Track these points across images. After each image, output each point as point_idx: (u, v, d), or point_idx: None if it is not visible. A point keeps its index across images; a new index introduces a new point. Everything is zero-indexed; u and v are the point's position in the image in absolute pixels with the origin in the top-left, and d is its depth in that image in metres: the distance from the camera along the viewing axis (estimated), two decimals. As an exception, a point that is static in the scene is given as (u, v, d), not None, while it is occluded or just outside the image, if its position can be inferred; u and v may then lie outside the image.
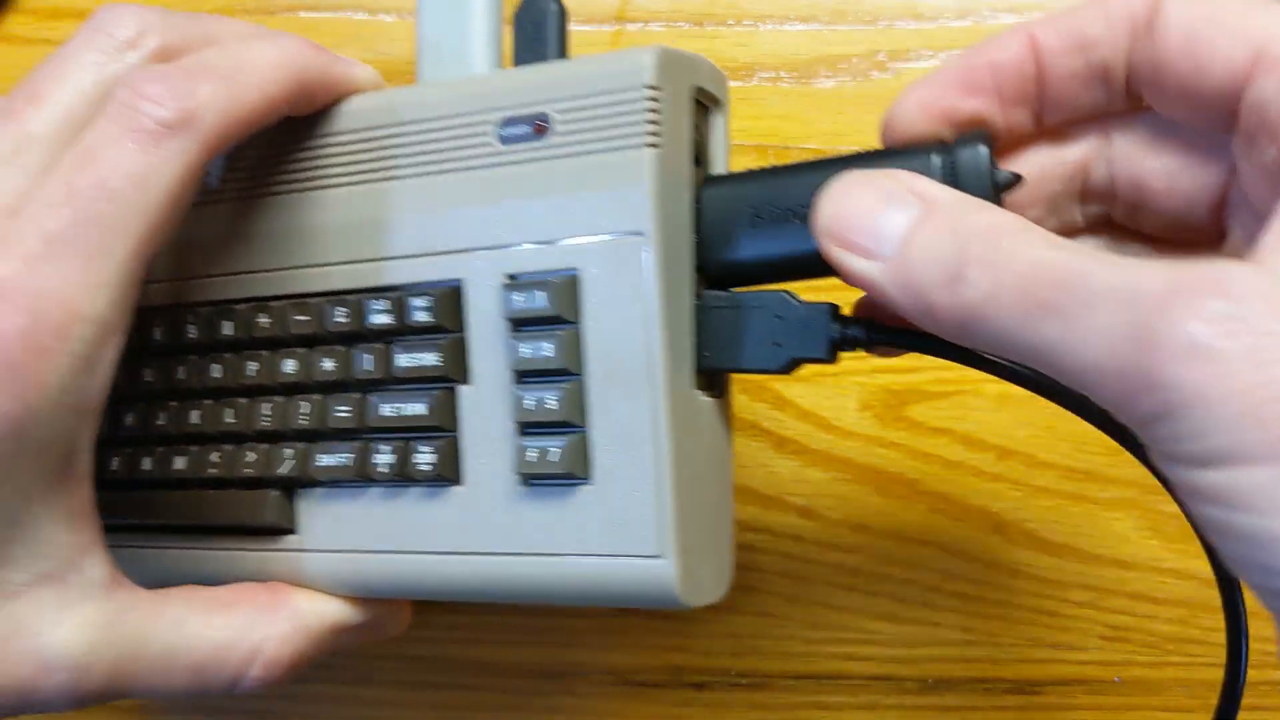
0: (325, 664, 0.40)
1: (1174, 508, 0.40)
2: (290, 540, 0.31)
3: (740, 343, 0.28)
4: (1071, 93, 0.26)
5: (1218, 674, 0.39)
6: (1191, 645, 0.39)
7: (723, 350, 0.28)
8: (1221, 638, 0.39)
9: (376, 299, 0.29)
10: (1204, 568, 0.39)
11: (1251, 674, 0.40)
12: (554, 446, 0.28)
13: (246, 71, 0.28)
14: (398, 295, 0.29)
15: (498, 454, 0.29)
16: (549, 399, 0.28)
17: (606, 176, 0.27)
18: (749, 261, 0.28)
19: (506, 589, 0.29)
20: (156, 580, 0.30)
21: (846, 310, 0.29)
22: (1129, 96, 0.26)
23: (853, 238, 0.24)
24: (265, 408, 0.31)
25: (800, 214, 0.27)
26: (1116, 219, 0.28)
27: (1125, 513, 0.39)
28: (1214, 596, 0.39)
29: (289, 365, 0.30)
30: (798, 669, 0.40)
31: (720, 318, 0.28)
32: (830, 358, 0.28)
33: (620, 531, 0.27)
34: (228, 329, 0.31)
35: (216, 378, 0.31)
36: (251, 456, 0.31)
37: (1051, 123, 0.27)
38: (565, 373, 0.28)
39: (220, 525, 0.31)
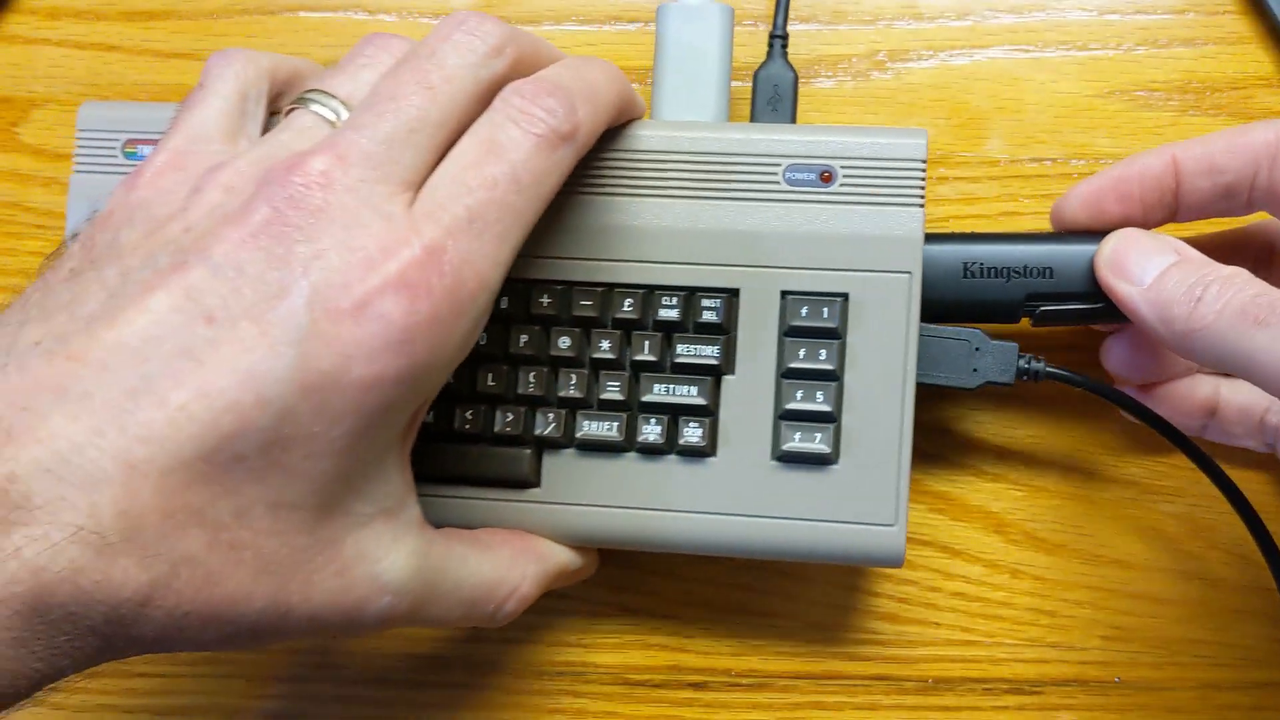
0: (331, 664, 0.40)
1: (1174, 508, 0.40)
2: (534, 493, 0.36)
3: (945, 365, 0.36)
4: (1201, 204, 0.35)
5: (1218, 674, 0.39)
6: (1192, 645, 0.39)
7: (932, 369, 0.36)
8: (1222, 638, 0.39)
9: (668, 295, 0.35)
10: (1205, 568, 0.40)
11: (1257, 674, 0.40)
12: (818, 433, 0.34)
13: (601, 92, 0.32)
14: (687, 295, 0.35)
15: (754, 434, 0.35)
16: (817, 395, 0.34)
17: (883, 224, 0.34)
18: (955, 303, 0.35)
19: (751, 545, 0.35)
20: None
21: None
22: (1250, 207, 0.35)
23: (1125, 269, 0.33)
24: (530, 375, 0.35)
25: (1001, 273, 0.35)
26: None
27: (1126, 513, 0.39)
28: (1214, 597, 0.39)
29: (564, 341, 0.35)
30: (798, 669, 0.40)
31: (933, 344, 0.36)
32: (1013, 384, 0.36)
33: (863, 503, 0.34)
34: (504, 304, 0.35)
35: (481, 345, 0.35)
36: (509, 417, 0.35)
37: (1184, 221, 0.36)
38: (832, 375, 0.34)
39: (478, 477, 0.35)
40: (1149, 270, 0.33)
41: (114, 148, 0.36)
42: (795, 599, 0.40)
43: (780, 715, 0.40)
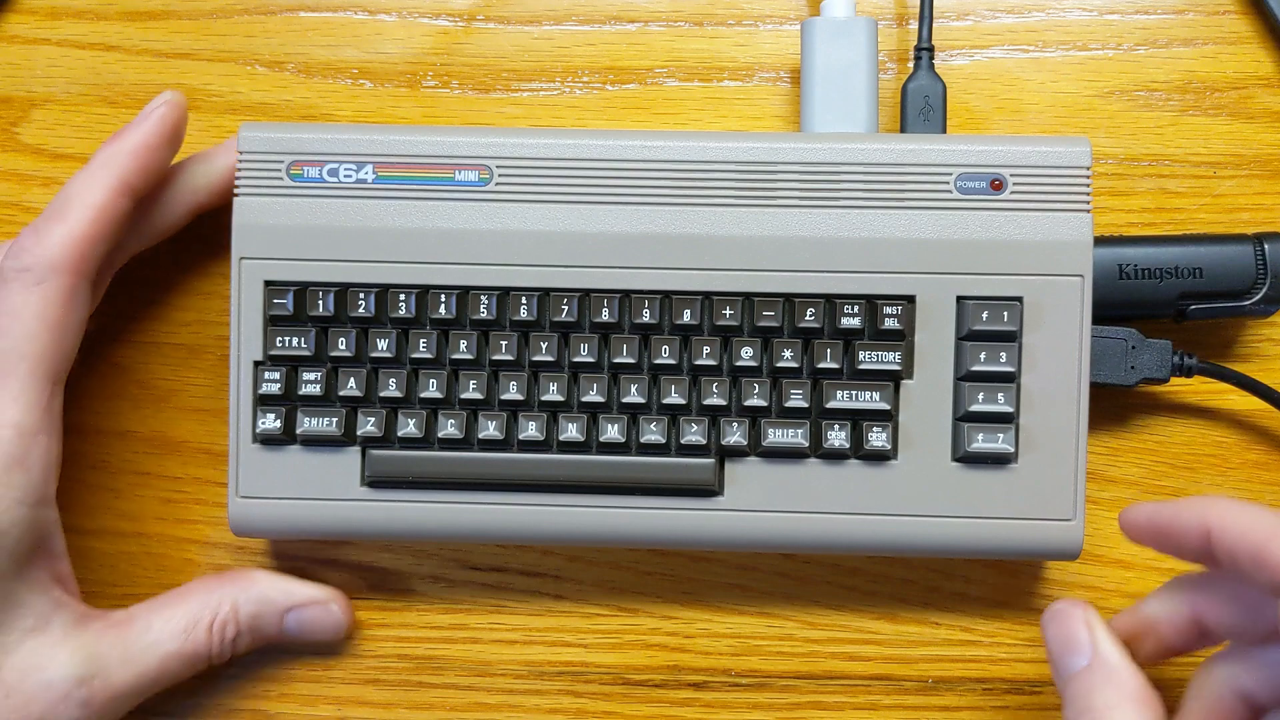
0: (328, 664, 0.40)
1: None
2: (718, 501, 0.37)
3: (1104, 364, 0.37)
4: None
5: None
6: (1192, 645, 0.39)
7: (1093, 368, 0.37)
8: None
9: (849, 304, 0.36)
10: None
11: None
12: (999, 434, 0.36)
13: (72, 203, 0.34)
14: (867, 303, 0.36)
15: (935, 436, 0.36)
16: (998, 396, 0.36)
17: (1053, 229, 0.36)
18: (1112, 303, 0.37)
19: (932, 544, 0.37)
20: (582, 537, 0.37)
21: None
22: None
23: (1053, 655, 0.34)
24: (714, 385, 0.37)
25: (1155, 273, 0.37)
26: None
27: (1126, 512, 0.39)
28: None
29: (746, 351, 0.36)
30: (798, 669, 0.40)
31: (1094, 344, 0.37)
32: (1167, 380, 0.38)
33: (1043, 500, 0.36)
34: (686, 317, 0.36)
35: (665, 358, 0.37)
36: (694, 428, 0.36)
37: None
38: (1010, 376, 0.36)
39: (663, 487, 0.37)
40: (1066, 665, 0.33)
41: (279, 169, 0.37)
42: (795, 599, 0.40)
43: (780, 715, 0.40)
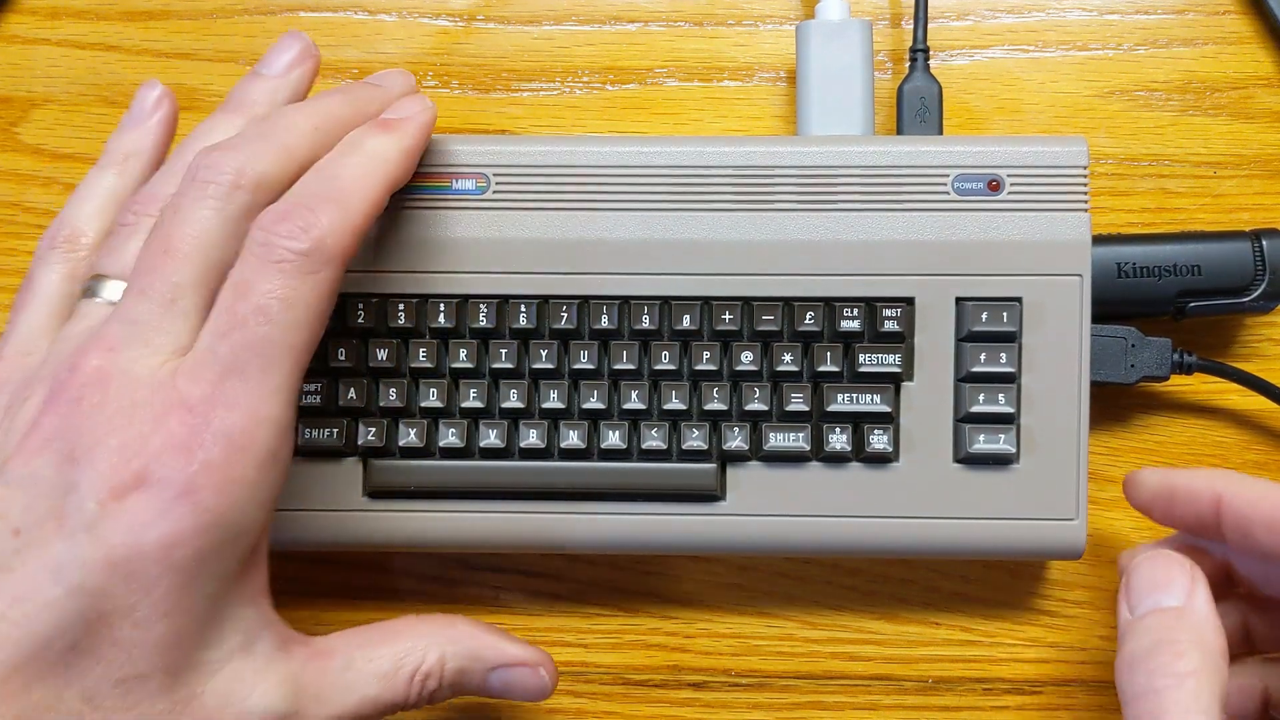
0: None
1: (1174, 508, 0.40)
2: (720, 506, 0.37)
3: (1104, 362, 0.37)
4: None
5: (1218, 674, 0.39)
6: (1191, 645, 0.39)
7: (1092, 367, 0.37)
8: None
9: (849, 307, 0.36)
10: (1204, 568, 0.39)
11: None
12: (1001, 435, 0.36)
13: (349, 190, 0.31)
14: (866, 306, 0.36)
15: (935, 437, 0.36)
16: (999, 397, 0.36)
17: (1052, 229, 0.36)
18: (1111, 302, 0.37)
19: (934, 546, 0.37)
20: (585, 544, 0.37)
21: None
22: None
23: (1129, 592, 0.32)
24: (714, 390, 0.36)
25: (1154, 271, 0.37)
26: None
27: (1125, 513, 0.40)
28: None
29: (746, 356, 0.36)
30: (798, 669, 0.40)
31: (1093, 343, 0.37)
32: (1167, 377, 0.38)
33: (1045, 500, 0.36)
34: (686, 322, 0.36)
35: (665, 363, 0.37)
36: (695, 433, 0.36)
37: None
38: (1010, 377, 0.36)
39: (665, 493, 0.37)
40: (1144, 603, 0.31)
41: None
42: (794, 599, 0.40)
43: (780, 715, 0.40)
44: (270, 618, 0.31)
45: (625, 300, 0.36)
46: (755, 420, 0.37)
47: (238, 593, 0.30)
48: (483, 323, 0.36)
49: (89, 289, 0.32)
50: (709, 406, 0.36)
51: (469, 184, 0.36)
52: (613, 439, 0.37)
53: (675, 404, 0.36)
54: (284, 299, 0.30)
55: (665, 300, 0.36)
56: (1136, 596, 0.32)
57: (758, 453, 0.37)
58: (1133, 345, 0.37)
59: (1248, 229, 0.38)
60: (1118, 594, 0.33)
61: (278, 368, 0.30)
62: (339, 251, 0.30)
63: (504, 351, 0.36)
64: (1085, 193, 0.36)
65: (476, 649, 0.34)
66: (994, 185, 0.36)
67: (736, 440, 0.36)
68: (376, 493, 0.37)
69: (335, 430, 0.36)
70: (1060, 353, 0.36)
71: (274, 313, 0.29)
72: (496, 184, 0.36)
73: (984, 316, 0.36)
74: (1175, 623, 0.31)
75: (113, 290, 0.31)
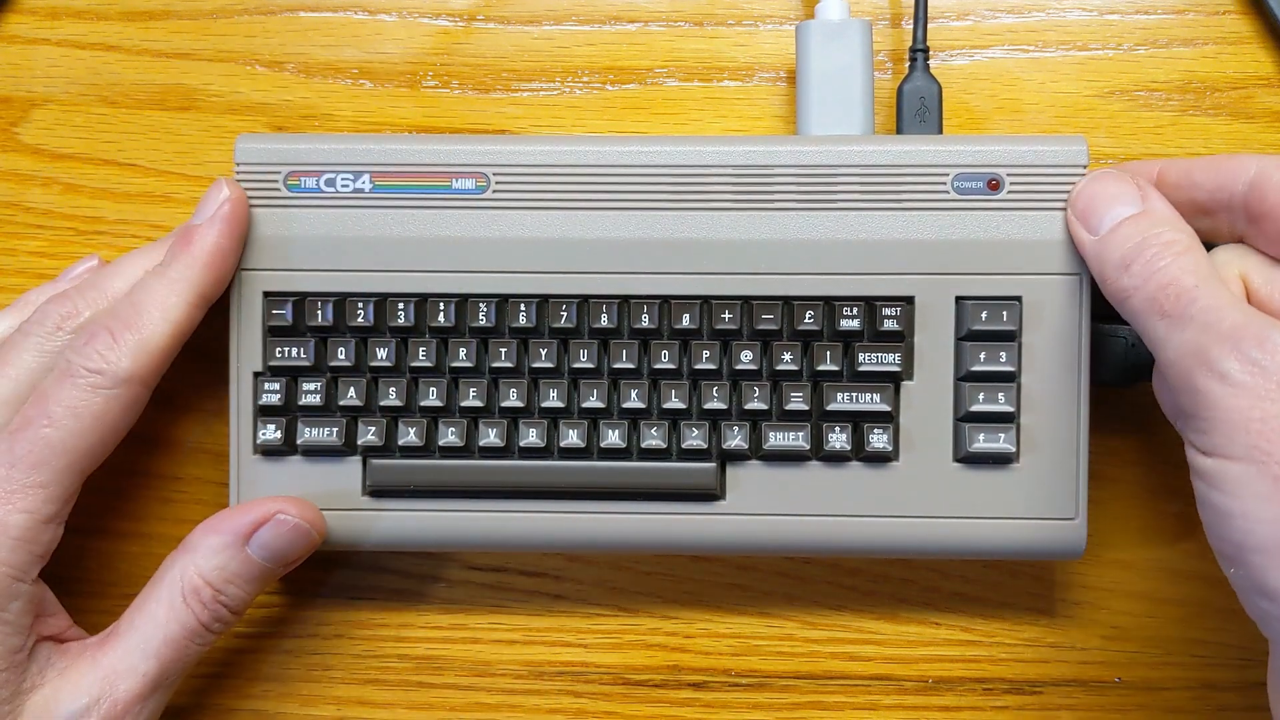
0: (328, 664, 0.40)
1: (1174, 507, 0.40)
2: (719, 505, 0.37)
3: (1102, 362, 0.37)
4: None
5: (1218, 674, 0.39)
6: (1192, 645, 0.39)
7: (1092, 365, 0.36)
8: (1220, 638, 0.39)
9: (849, 306, 0.36)
10: (1205, 568, 0.40)
11: (1255, 674, 0.40)
12: (1001, 434, 0.36)
13: (148, 311, 0.35)
14: (866, 305, 0.36)
15: (935, 436, 0.36)
16: (999, 396, 0.36)
17: (1051, 228, 0.36)
18: (1106, 301, 0.35)
19: (934, 546, 0.37)
20: (585, 543, 0.37)
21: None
22: (1232, 233, 0.34)
23: (1085, 216, 0.35)
24: (714, 389, 0.36)
25: None
26: None
27: (1123, 512, 0.39)
28: (1215, 597, 0.39)
29: (746, 355, 0.36)
30: (798, 669, 0.40)
31: (1093, 342, 0.37)
32: None
33: (1045, 499, 0.36)
34: (685, 321, 0.36)
35: (664, 362, 0.37)
36: (695, 432, 0.36)
37: None
38: (1010, 376, 0.36)
39: (665, 492, 0.37)
40: (1105, 220, 0.34)
41: (276, 181, 0.37)
42: (794, 599, 0.40)
43: (780, 715, 0.40)
44: (63, 649, 0.35)
45: (625, 299, 0.36)
46: (755, 419, 0.37)
47: (24, 650, 0.34)
48: (482, 322, 0.36)
49: None
50: (708, 405, 0.36)
51: (469, 184, 0.37)
52: (612, 438, 0.37)
53: (675, 403, 0.36)
54: (68, 404, 0.34)
55: (665, 299, 0.36)
56: (1095, 217, 0.34)
57: (757, 452, 0.37)
58: (1133, 345, 0.37)
59: None
60: (1066, 221, 0.35)
61: (48, 465, 0.34)
62: (138, 375, 0.34)
63: (504, 350, 0.36)
64: None
65: (211, 542, 0.35)
66: (994, 184, 0.36)
67: (736, 439, 0.36)
68: (377, 492, 0.37)
69: (335, 429, 0.37)
70: (1060, 352, 0.36)
71: (57, 415, 0.34)
72: (496, 184, 0.36)
73: (984, 315, 0.36)
74: (1146, 220, 0.33)
75: None
